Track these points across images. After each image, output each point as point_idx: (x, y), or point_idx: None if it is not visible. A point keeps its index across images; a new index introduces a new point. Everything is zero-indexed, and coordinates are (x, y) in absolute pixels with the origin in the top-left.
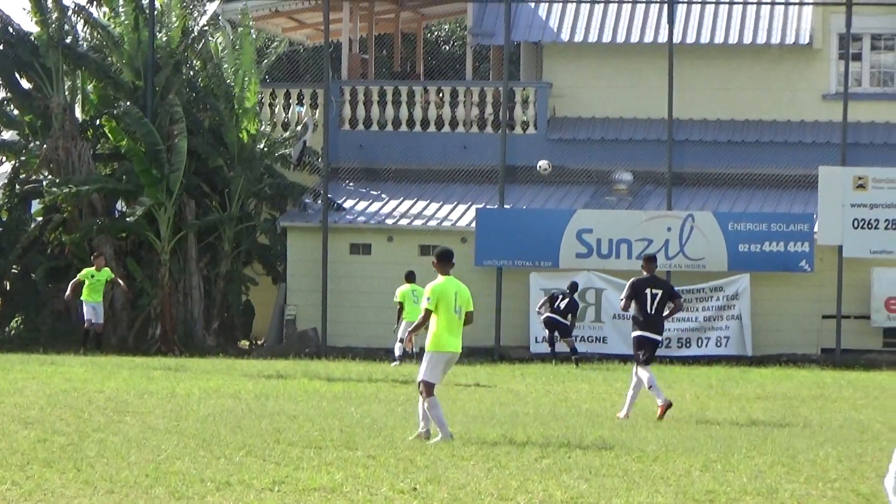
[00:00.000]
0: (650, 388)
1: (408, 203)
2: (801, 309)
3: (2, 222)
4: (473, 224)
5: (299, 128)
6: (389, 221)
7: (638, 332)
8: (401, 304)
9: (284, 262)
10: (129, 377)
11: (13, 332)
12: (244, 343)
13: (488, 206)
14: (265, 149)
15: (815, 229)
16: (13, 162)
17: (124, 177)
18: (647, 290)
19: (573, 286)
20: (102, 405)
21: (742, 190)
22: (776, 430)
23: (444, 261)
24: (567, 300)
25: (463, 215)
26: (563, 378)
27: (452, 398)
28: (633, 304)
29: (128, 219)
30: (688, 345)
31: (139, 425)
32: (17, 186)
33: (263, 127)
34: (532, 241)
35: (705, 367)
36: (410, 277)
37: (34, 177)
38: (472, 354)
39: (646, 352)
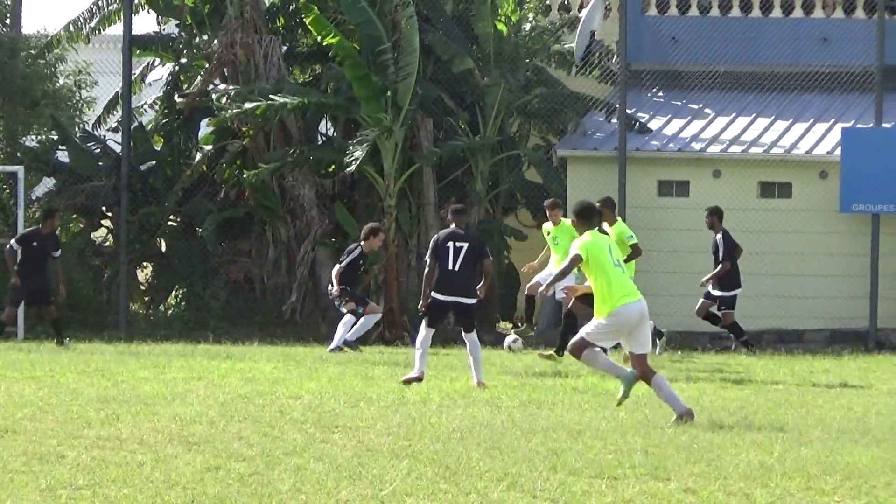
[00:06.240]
0: None
1: (721, 121)
2: None
3: (155, 153)
4: (837, 152)
5: (583, 11)
6: (709, 148)
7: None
8: None
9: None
10: (336, 376)
11: (171, 311)
12: (505, 325)
13: (858, 125)
14: (532, 43)
15: None
16: (171, 65)
17: (330, 87)
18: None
19: None
20: (299, 417)
21: None
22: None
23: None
24: None
25: (822, 139)
26: None
27: (809, 403)
28: None
29: (346, 157)
30: None
31: (353, 446)
32: (177, 101)
33: (528, 12)
34: None
35: None
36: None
37: (201, 87)
38: (837, 340)
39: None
